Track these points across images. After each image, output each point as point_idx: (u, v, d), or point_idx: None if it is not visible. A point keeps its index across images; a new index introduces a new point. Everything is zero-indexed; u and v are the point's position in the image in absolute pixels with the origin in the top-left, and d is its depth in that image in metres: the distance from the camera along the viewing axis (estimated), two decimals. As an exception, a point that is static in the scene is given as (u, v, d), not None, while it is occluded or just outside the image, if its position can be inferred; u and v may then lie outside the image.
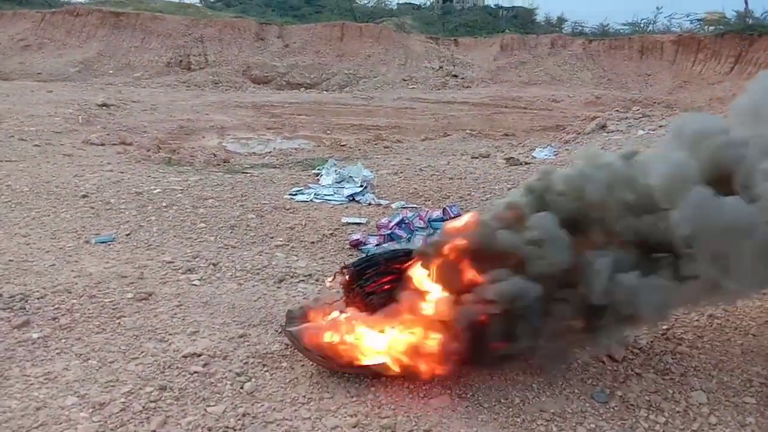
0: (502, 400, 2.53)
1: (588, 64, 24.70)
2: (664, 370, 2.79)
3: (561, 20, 33.21)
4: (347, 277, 2.89)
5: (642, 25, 28.65)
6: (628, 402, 2.56)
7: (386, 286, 2.81)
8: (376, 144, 11.15)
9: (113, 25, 22.70)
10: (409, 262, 2.81)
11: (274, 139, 11.78)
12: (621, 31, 28.69)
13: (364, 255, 3.52)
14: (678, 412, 2.51)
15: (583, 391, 2.62)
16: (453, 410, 2.46)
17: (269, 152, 10.47)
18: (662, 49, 23.76)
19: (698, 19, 26.58)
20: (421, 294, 2.65)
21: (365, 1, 30.99)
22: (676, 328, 3.17)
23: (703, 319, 3.28)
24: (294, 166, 7.94)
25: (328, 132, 12.51)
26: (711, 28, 24.90)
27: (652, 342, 3.01)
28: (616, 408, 2.52)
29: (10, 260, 3.87)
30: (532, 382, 2.67)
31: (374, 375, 2.59)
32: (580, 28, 31.05)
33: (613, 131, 9.57)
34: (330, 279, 3.10)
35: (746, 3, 23.90)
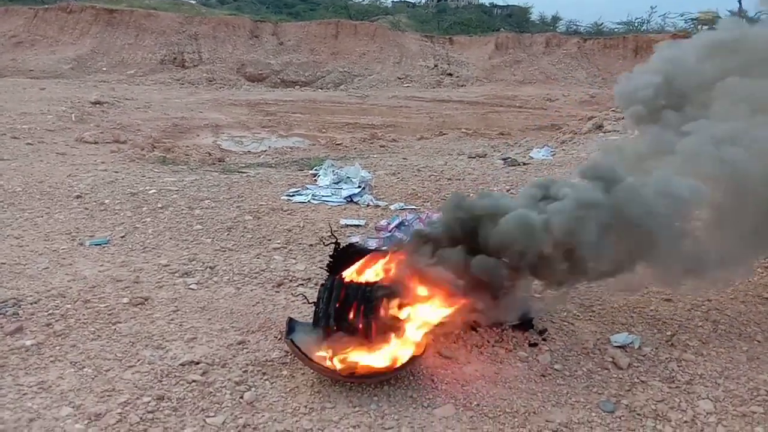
0: (507, 410, 2.48)
1: (583, 63, 24.77)
2: (669, 377, 2.76)
3: (555, 19, 33.42)
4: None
5: (636, 25, 28.83)
6: (635, 411, 2.51)
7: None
8: (371, 143, 11.10)
9: (107, 22, 22.54)
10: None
11: (269, 138, 11.70)
12: (615, 30, 28.86)
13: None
14: (685, 421, 2.47)
15: (589, 400, 2.58)
16: (458, 420, 2.41)
17: (264, 151, 10.39)
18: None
19: (692, 19, 26.73)
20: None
21: (360, -1, 30.94)
22: (680, 334, 3.14)
23: (708, 325, 3.25)
24: (290, 165, 7.87)
25: (323, 130, 12.44)
26: (705, 27, 24.99)
27: (656, 349, 2.98)
28: (622, 417, 2.48)
29: (2, 263, 3.78)
30: (537, 390, 2.63)
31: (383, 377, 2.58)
32: (575, 27, 31.22)
33: (609, 131, 9.55)
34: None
35: (740, 3, 23.99)
